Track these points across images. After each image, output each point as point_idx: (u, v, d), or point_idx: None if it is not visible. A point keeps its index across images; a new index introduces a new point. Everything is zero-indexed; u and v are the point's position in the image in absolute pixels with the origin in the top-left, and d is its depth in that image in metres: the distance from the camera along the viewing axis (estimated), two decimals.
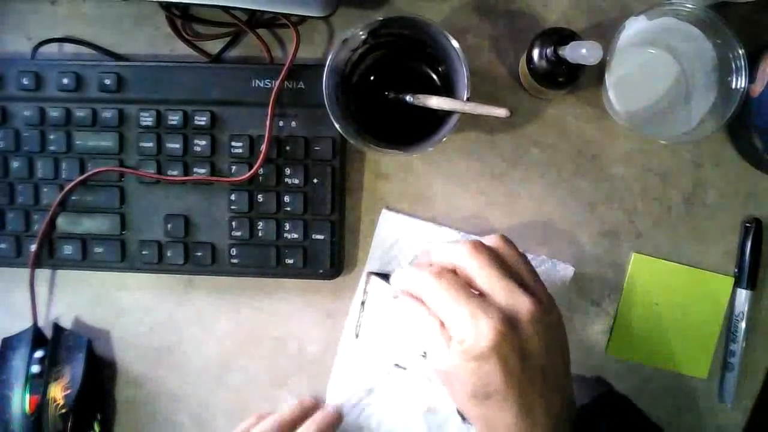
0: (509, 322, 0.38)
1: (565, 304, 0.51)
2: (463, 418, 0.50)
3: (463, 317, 0.38)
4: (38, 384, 0.48)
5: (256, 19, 0.51)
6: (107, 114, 0.50)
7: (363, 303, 0.51)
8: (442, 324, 0.40)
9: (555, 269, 0.51)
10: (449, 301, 0.39)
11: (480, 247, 0.41)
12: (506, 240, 0.42)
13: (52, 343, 0.50)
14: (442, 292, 0.39)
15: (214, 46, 0.52)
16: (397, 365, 0.51)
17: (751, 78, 0.45)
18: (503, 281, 0.40)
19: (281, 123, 0.50)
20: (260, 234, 0.50)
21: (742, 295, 0.50)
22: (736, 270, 0.51)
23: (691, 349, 0.51)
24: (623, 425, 0.45)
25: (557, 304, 0.41)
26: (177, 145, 0.50)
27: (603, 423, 0.43)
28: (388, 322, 0.50)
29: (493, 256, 0.41)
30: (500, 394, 0.39)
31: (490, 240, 0.42)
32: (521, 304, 0.39)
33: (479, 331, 0.38)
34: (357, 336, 0.51)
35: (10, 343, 0.51)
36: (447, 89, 0.48)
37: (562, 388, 0.41)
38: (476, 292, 0.40)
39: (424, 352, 0.50)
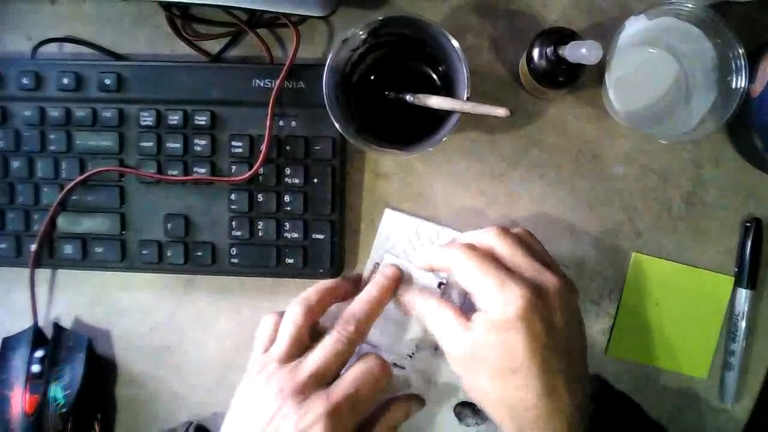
0: (537, 291, 0.39)
1: None
2: (460, 420, 0.50)
3: (491, 286, 0.39)
4: (38, 384, 0.48)
5: (256, 19, 0.51)
6: (107, 114, 0.50)
7: None
8: (455, 311, 0.42)
9: None
10: (477, 271, 0.40)
11: (507, 230, 0.43)
12: (530, 232, 0.44)
13: (52, 343, 0.50)
14: (470, 262, 0.41)
15: (214, 46, 0.52)
16: (395, 364, 0.51)
17: (751, 78, 0.45)
18: (529, 260, 0.41)
19: (281, 123, 0.50)
20: (260, 234, 0.50)
21: (743, 294, 0.50)
22: (736, 269, 0.51)
23: (691, 348, 0.51)
24: (630, 427, 0.45)
25: None
26: (177, 145, 0.50)
27: (611, 424, 0.43)
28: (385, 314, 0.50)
29: (519, 239, 0.42)
30: (525, 367, 0.39)
31: (515, 230, 0.44)
32: (548, 278, 0.40)
33: (507, 298, 0.39)
34: None
35: (10, 343, 0.51)
36: (447, 89, 0.48)
37: (582, 374, 0.42)
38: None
39: (412, 353, 0.50)
